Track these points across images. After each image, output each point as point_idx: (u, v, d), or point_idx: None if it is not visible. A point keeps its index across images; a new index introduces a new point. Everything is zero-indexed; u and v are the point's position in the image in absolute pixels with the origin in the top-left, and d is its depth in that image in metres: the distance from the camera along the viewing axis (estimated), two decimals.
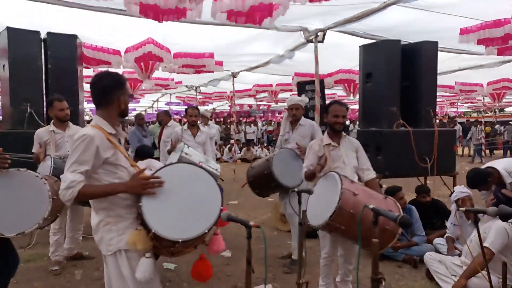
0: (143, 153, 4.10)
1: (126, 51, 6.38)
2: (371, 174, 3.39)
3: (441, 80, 6.77)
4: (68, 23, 5.36)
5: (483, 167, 4.23)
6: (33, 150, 3.95)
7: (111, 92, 2.16)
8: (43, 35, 5.03)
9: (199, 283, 3.78)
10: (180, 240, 2.03)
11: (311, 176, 3.26)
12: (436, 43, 5.27)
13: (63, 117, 4.06)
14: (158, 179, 2.11)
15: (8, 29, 4.73)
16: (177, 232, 2.05)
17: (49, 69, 4.99)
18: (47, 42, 5.01)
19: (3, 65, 4.90)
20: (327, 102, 6.36)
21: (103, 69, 3.98)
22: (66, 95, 4.75)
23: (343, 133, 3.34)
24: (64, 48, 5.08)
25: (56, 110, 4.02)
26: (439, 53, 5.38)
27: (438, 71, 5.49)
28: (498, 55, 6.32)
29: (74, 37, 5.18)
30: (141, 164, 2.79)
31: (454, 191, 4.27)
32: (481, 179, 3.82)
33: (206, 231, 2.10)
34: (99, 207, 2.13)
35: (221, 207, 2.17)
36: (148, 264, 2.05)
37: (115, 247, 2.09)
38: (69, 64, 5.10)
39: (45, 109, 5.00)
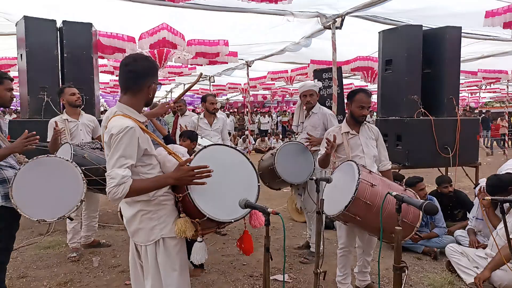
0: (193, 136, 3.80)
1: (140, 38, 6.35)
2: (387, 165, 3.31)
3: (463, 66, 6.52)
4: (83, 11, 5.36)
5: (503, 172, 4.06)
6: (48, 139, 3.95)
7: (145, 77, 2.01)
8: (59, 24, 5.03)
9: (213, 271, 3.78)
10: (233, 220, 2.08)
11: (324, 162, 3.19)
12: (459, 28, 5.05)
13: (75, 101, 4.03)
14: (206, 168, 1.99)
15: (26, 18, 4.73)
16: (227, 214, 2.07)
17: (65, 57, 4.99)
18: (63, 31, 5.00)
19: (21, 55, 4.93)
20: (345, 91, 6.24)
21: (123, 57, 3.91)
22: (82, 84, 4.79)
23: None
24: (80, 37, 5.06)
25: (68, 95, 4.01)
26: (463, 39, 5.17)
27: (461, 58, 5.28)
28: None
29: (89, 25, 5.16)
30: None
31: (479, 183, 4.11)
32: (501, 186, 3.66)
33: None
34: (137, 200, 2.03)
35: (259, 184, 2.17)
36: (202, 248, 2.09)
37: (158, 235, 2.04)
38: (84, 52, 5.09)
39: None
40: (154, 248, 2.07)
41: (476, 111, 18.61)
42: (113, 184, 1.83)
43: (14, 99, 3.01)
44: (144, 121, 2.07)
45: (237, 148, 3.49)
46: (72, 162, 2.77)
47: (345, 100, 3.69)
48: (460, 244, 4.18)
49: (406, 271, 1.89)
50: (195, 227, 2.06)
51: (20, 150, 2.61)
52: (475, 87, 16.33)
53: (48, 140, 3.91)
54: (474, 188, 4.29)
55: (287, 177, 3.82)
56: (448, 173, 5.55)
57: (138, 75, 2.00)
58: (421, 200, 1.79)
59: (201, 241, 2.08)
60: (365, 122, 3.24)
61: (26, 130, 2.67)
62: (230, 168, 2.19)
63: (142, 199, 2.03)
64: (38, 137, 2.65)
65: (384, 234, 2.23)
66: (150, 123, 7.16)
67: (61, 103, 4.36)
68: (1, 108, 3.05)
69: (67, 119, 4.01)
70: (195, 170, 1.97)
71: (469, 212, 4.54)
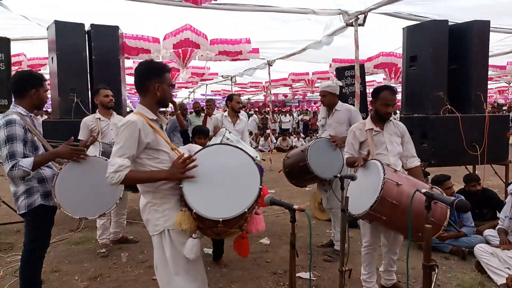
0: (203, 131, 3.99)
1: (164, 38, 6.49)
2: (415, 161, 3.24)
3: (491, 61, 6.30)
4: (110, 14, 5.51)
5: None
6: (79, 137, 4.12)
7: (147, 79, 2.20)
8: (87, 27, 5.20)
9: (237, 268, 3.83)
10: (221, 220, 2.06)
11: (353, 164, 3.16)
12: (488, 22, 4.88)
13: (107, 103, 4.21)
14: (191, 158, 2.12)
15: (56, 22, 4.91)
16: (218, 212, 2.07)
17: (93, 60, 5.15)
18: (91, 34, 5.16)
19: (52, 57, 5.13)
20: (367, 90, 6.17)
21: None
22: (109, 85, 4.90)
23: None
24: (107, 39, 5.22)
25: (101, 96, 4.20)
26: (491, 33, 5.00)
27: (490, 53, 5.11)
28: None
29: (116, 28, 5.30)
30: (182, 149, 2.83)
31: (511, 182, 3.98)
32: None
33: (246, 210, 2.09)
34: (146, 190, 2.22)
35: (261, 186, 2.16)
36: (194, 244, 2.13)
37: (162, 226, 2.18)
38: (112, 54, 5.24)
39: (90, 98, 5.19)
40: (160, 238, 2.21)
41: (505, 107, 17.91)
42: (111, 171, 2.04)
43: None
44: (155, 119, 2.22)
45: (247, 148, 3.50)
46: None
47: (368, 98, 3.66)
48: (490, 243, 4.07)
49: (436, 270, 1.86)
50: (196, 223, 2.13)
51: (66, 157, 2.68)
52: (504, 84, 15.74)
53: (79, 138, 4.09)
54: (507, 186, 4.15)
55: (321, 172, 3.82)
56: (476, 172, 5.40)
57: (142, 78, 2.22)
58: (452, 197, 1.76)
59: (195, 238, 2.14)
60: (390, 119, 3.20)
61: (72, 137, 2.81)
62: (231, 168, 2.22)
63: (150, 190, 2.19)
64: (85, 154, 2.76)
65: (412, 233, 2.20)
66: (175, 123, 7.30)
67: (90, 103, 4.51)
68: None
69: (99, 118, 4.20)
70: (183, 163, 2.10)
71: (499, 212, 4.40)
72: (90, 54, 5.19)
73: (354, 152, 3.19)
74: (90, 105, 5.16)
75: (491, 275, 3.48)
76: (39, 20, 5.68)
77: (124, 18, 5.69)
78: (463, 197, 4.39)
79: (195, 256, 2.13)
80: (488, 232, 4.23)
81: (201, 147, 2.40)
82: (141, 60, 2.42)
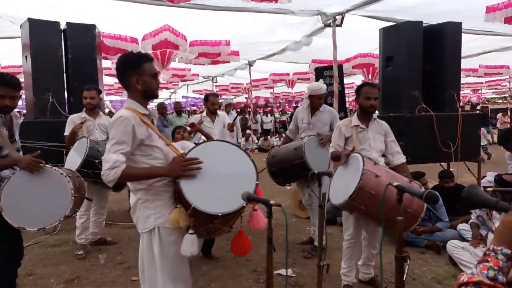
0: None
1: (143, 39, 6.43)
2: (401, 158, 3.32)
3: (464, 63, 6.53)
4: (86, 13, 5.42)
5: None
6: (65, 134, 4.12)
7: (126, 73, 2.12)
8: (62, 26, 5.09)
9: (217, 267, 3.82)
10: (220, 214, 2.04)
11: (337, 157, 3.25)
12: (460, 23, 5.06)
13: (85, 104, 4.21)
14: (197, 160, 2.07)
15: (30, 20, 4.80)
16: (216, 207, 2.06)
17: (69, 59, 5.06)
18: (66, 32, 5.07)
19: (26, 56, 5.00)
20: (345, 90, 6.26)
21: None
22: (86, 85, 4.84)
23: (373, 116, 3.28)
24: (83, 38, 5.13)
25: (83, 97, 4.22)
26: (463, 35, 5.18)
27: (462, 54, 5.29)
28: None
29: (93, 26, 5.23)
30: (176, 145, 2.79)
31: (485, 176, 4.13)
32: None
33: (245, 204, 2.09)
34: (138, 188, 2.14)
35: (257, 182, 2.16)
36: (192, 240, 2.08)
37: (152, 224, 2.12)
38: (88, 53, 5.16)
39: (66, 98, 5.09)
40: (149, 237, 2.15)
41: (478, 107, 18.53)
42: (106, 167, 1.96)
43: (20, 101, 3.07)
44: (146, 113, 2.15)
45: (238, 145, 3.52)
46: (66, 176, 2.73)
47: (347, 98, 3.75)
48: (463, 237, 4.21)
49: (408, 261, 1.92)
50: (192, 219, 2.09)
51: (23, 167, 2.62)
52: (479, 84, 16.27)
53: (65, 134, 4.11)
54: (480, 179, 4.30)
55: (316, 168, 3.81)
56: (450, 169, 5.57)
57: (120, 74, 2.16)
58: (422, 190, 1.82)
59: (192, 233, 2.11)
60: (375, 117, 3.29)
61: (39, 151, 2.74)
62: (227, 164, 2.21)
63: (142, 187, 2.12)
64: (43, 165, 2.66)
65: (388, 224, 2.26)
66: (159, 119, 7.23)
67: (66, 103, 4.45)
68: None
69: (85, 117, 4.20)
70: (186, 162, 2.06)
71: None
72: (66, 53, 5.10)
73: (338, 147, 3.28)
74: (66, 104, 5.07)
75: (463, 269, 3.60)
76: (11, 17, 5.53)
77: (102, 17, 5.61)
78: (437, 193, 4.53)
79: (194, 252, 2.08)
80: (461, 226, 4.38)
81: (194, 144, 2.36)
82: None
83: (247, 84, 13.20)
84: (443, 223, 4.40)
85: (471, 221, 4.27)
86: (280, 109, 24.95)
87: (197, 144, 2.28)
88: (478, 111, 15.86)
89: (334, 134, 3.37)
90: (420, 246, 4.26)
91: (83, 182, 3.26)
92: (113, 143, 2.00)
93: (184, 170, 2.05)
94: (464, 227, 4.32)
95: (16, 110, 2.92)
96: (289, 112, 23.44)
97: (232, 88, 16.43)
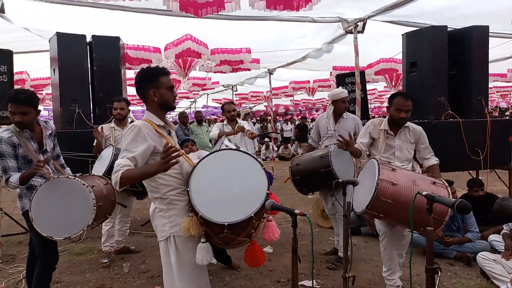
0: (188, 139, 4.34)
1: (165, 49, 6.54)
2: (431, 160, 3.25)
3: (492, 68, 6.32)
4: (111, 25, 5.56)
5: None
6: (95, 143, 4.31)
7: (143, 87, 2.22)
8: (88, 39, 5.25)
9: (239, 277, 3.79)
10: (226, 224, 2.03)
11: (355, 153, 3.26)
12: (487, 27, 4.91)
13: (115, 115, 4.39)
14: (172, 149, 1.98)
15: (58, 34, 4.97)
16: (223, 216, 2.06)
17: (95, 70, 5.19)
18: (92, 45, 5.22)
19: (54, 69, 5.17)
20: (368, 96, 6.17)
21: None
22: (111, 96, 4.96)
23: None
24: (108, 50, 5.27)
25: (113, 108, 4.39)
26: (490, 39, 5.02)
27: (490, 58, 5.12)
28: None
29: (117, 39, 5.36)
30: (192, 155, 2.80)
31: None
32: None
33: (252, 215, 2.07)
34: (154, 197, 2.24)
35: (268, 191, 2.13)
36: (205, 249, 2.12)
37: (168, 232, 2.19)
38: (113, 65, 5.28)
39: (91, 109, 5.22)
40: (166, 245, 2.22)
41: (507, 112, 17.86)
42: (113, 171, 2.05)
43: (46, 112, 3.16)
44: (162, 124, 2.23)
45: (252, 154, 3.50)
46: (87, 186, 2.80)
47: (370, 105, 3.72)
48: (495, 249, 4.03)
49: (439, 273, 1.84)
50: (203, 228, 2.12)
51: (34, 171, 2.70)
52: (508, 87, 15.69)
53: (94, 145, 4.30)
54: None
55: (342, 177, 3.68)
56: (479, 177, 5.37)
57: (138, 88, 2.25)
58: (453, 199, 1.75)
59: (204, 242, 2.13)
60: (407, 125, 3.23)
61: (46, 156, 2.89)
62: (238, 173, 2.20)
63: (157, 196, 2.20)
64: (43, 164, 2.71)
65: (415, 227, 2.21)
66: (181, 128, 7.34)
67: (92, 114, 4.57)
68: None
69: (113, 127, 4.37)
70: (163, 154, 1.98)
71: None
72: (91, 65, 5.24)
73: (361, 145, 3.25)
74: (92, 115, 5.19)
75: (496, 282, 3.44)
76: (41, 31, 5.74)
77: (125, 28, 5.75)
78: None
79: (207, 261, 2.11)
80: (493, 237, 4.19)
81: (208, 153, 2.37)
82: None
83: (267, 92, 13.22)
84: (473, 234, 4.23)
85: (503, 231, 4.09)
86: (300, 117, 24.81)
87: (210, 153, 2.30)
88: (507, 117, 15.33)
89: (362, 131, 3.38)
90: (449, 258, 4.10)
91: (113, 189, 3.31)
92: (122, 150, 2.11)
93: (166, 162, 1.98)
94: (496, 238, 4.14)
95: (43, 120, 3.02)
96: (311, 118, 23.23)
97: (252, 96, 16.48)
